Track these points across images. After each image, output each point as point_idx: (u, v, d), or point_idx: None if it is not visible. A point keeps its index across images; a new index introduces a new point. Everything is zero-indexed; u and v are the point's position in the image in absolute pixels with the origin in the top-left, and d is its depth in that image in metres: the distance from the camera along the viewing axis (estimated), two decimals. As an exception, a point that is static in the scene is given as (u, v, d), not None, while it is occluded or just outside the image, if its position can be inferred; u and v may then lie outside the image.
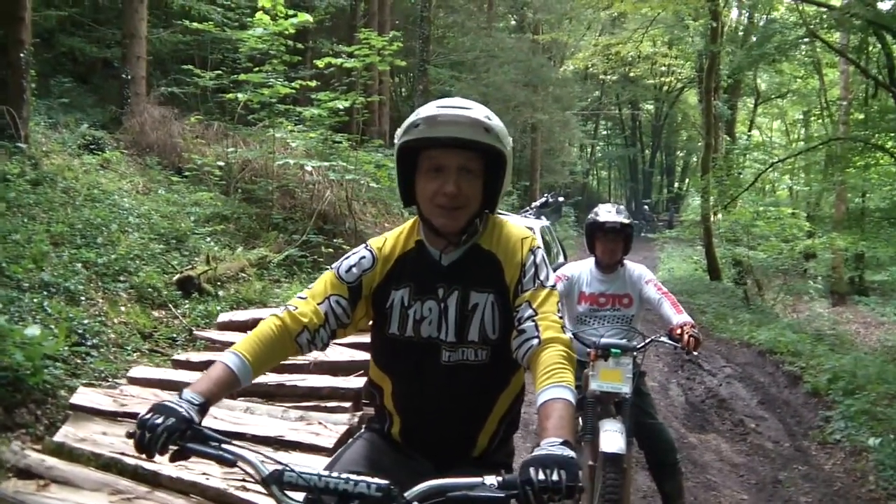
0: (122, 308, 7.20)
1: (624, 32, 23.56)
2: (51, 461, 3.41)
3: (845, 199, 23.66)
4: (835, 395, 8.34)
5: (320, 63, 11.81)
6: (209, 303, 8.01)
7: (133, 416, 3.80)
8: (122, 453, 3.40)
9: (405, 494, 1.76)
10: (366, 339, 4.87)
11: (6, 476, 3.39)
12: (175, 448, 1.87)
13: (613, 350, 4.34)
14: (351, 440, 2.45)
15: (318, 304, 2.28)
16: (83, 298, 6.86)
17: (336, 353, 4.84)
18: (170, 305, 7.67)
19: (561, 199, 15.12)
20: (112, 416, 3.88)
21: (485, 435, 2.37)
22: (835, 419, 7.73)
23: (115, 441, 3.55)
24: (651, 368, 9.71)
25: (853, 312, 22.31)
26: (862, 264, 22.81)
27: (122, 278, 7.59)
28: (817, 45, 19.70)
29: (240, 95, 11.46)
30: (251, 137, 13.31)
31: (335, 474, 1.78)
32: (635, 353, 4.49)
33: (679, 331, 4.31)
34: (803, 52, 22.16)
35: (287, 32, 11.22)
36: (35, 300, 6.26)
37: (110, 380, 5.74)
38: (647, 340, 4.59)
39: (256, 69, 11.44)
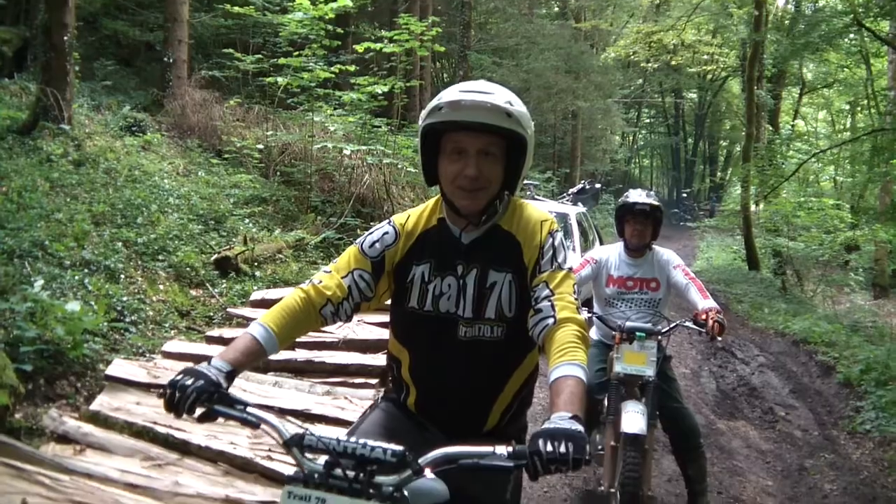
0: (161, 286, 7.36)
1: (667, 20, 23.39)
2: (87, 428, 3.55)
3: (890, 190, 23.30)
4: (867, 386, 8.28)
5: (360, 48, 11.92)
6: (246, 283, 8.16)
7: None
8: (154, 422, 3.53)
9: (419, 460, 1.82)
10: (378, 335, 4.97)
11: (46, 441, 3.53)
12: (203, 409, 1.96)
13: (638, 333, 4.41)
14: (369, 409, 2.52)
15: (342, 278, 2.35)
16: (123, 276, 7.03)
17: (366, 331, 4.97)
18: (207, 285, 7.83)
19: (598, 185, 15.09)
20: (146, 388, 4.01)
21: (497, 410, 2.42)
22: (865, 409, 7.68)
23: (147, 411, 3.68)
24: (684, 356, 9.73)
25: (895, 305, 22.05)
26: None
27: (160, 257, 7.76)
28: (864, 34, 19.41)
29: (280, 79, 11.58)
30: (291, 121, 13.48)
31: (353, 439, 1.84)
32: (660, 337, 4.54)
33: (704, 316, 4.33)
34: (850, 42, 21.76)
35: (327, 17, 11.31)
36: (76, 277, 6.42)
37: (147, 355, 5.90)
38: (672, 325, 4.64)
39: (297, 53, 11.55)
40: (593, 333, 4.93)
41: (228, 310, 6.86)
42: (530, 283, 2.32)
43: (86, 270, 6.69)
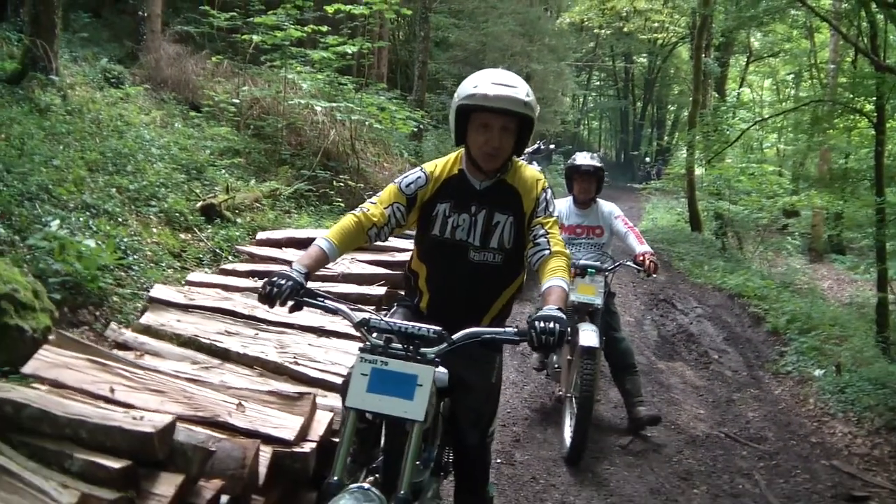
0: (154, 230, 7.94)
1: (619, -13, 24.02)
2: (142, 338, 4.22)
3: (828, 159, 24.31)
4: (791, 334, 9.25)
5: (330, 9, 12.44)
6: (229, 228, 8.78)
7: (200, 308, 4.64)
8: (196, 336, 4.22)
9: (452, 336, 2.61)
10: (384, 257, 5.72)
11: (108, 349, 4.18)
12: (292, 302, 2.71)
13: (589, 269, 5.55)
14: (391, 310, 3.28)
15: (385, 209, 3.15)
16: (120, 220, 7.61)
17: (359, 268, 5.72)
18: (195, 229, 8.42)
19: (552, 146, 15.82)
20: (183, 308, 4.69)
21: (489, 316, 3.27)
22: (789, 354, 8.64)
23: (188, 326, 4.36)
24: (629, 306, 10.60)
25: (828, 269, 23.22)
26: (840, 223, 23.50)
27: (152, 203, 8.30)
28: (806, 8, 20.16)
29: (254, 37, 12.05)
30: (259, 76, 13.93)
31: (404, 322, 2.64)
32: (606, 274, 5.68)
33: (641, 257, 5.48)
34: (794, 16, 22.57)
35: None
36: (81, 219, 6.98)
37: (150, 289, 6.53)
38: (616, 264, 5.77)
39: (270, 12, 12.04)
40: (582, 259, 5.91)
41: (237, 247, 7.58)
42: (529, 224, 3.15)
43: (88, 213, 7.24)
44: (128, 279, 6.67)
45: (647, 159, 39.50)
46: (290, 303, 2.73)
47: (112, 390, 3.20)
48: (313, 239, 6.35)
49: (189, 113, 12.30)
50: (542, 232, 3.10)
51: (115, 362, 3.46)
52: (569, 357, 5.55)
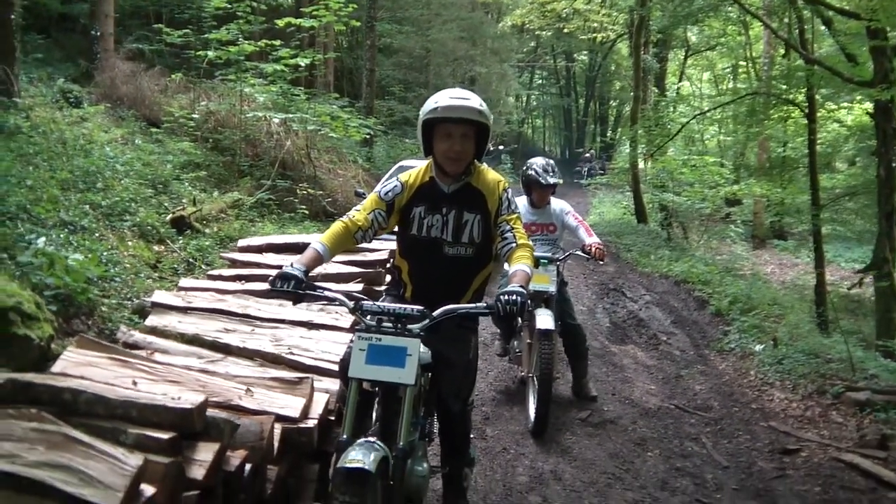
0: (129, 243, 8.31)
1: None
2: (150, 338, 4.64)
3: (767, 148, 25.18)
4: (733, 315, 9.92)
5: (281, 22, 12.87)
6: (200, 239, 9.19)
7: (198, 309, 5.08)
8: (198, 334, 4.66)
9: (433, 313, 3.14)
10: (357, 257, 6.17)
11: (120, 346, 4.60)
12: (295, 294, 3.23)
13: (542, 260, 6.18)
14: (381, 299, 3.78)
15: (368, 215, 3.67)
16: (97, 235, 7.96)
17: (336, 268, 6.19)
18: (167, 241, 8.80)
19: (501, 147, 16.39)
20: (183, 310, 5.10)
21: (463, 301, 3.75)
22: (731, 333, 9.29)
23: (189, 326, 4.78)
24: (581, 296, 11.18)
25: (771, 255, 24.13)
26: (780, 210, 24.33)
27: (125, 218, 8.64)
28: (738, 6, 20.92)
29: (210, 53, 12.41)
30: (213, 90, 14.27)
31: (391, 305, 3.16)
32: (558, 263, 6.38)
33: (589, 247, 6.13)
34: (728, 12, 23.31)
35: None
36: (61, 235, 7.34)
37: (134, 300, 6.93)
38: (566, 254, 6.52)
39: (224, 28, 12.41)
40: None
41: (222, 254, 7.95)
42: (495, 221, 3.70)
43: (66, 230, 7.59)
44: (111, 290, 7.06)
45: (587, 155, 39.83)
46: (293, 294, 3.26)
47: (135, 382, 3.62)
48: (292, 244, 6.87)
49: (149, 129, 12.60)
50: (507, 228, 3.65)
51: (133, 359, 3.90)
52: (528, 341, 6.16)
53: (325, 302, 3.49)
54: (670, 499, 4.97)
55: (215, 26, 12.77)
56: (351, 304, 3.27)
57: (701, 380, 7.72)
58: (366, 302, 3.28)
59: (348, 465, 2.83)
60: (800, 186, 19.11)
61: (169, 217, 9.25)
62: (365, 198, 11.36)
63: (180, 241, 8.97)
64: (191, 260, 8.53)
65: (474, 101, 3.56)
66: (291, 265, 3.34)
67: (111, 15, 14.03)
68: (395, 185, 3.75)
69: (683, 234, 20.38)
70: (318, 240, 3.55)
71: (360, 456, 2.87)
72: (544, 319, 5.84)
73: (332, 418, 4.23)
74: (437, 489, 4.20)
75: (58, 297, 6.08)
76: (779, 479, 5.38)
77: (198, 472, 2.97)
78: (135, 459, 2.68)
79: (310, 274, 3.36)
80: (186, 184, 10.96)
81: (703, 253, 18.33)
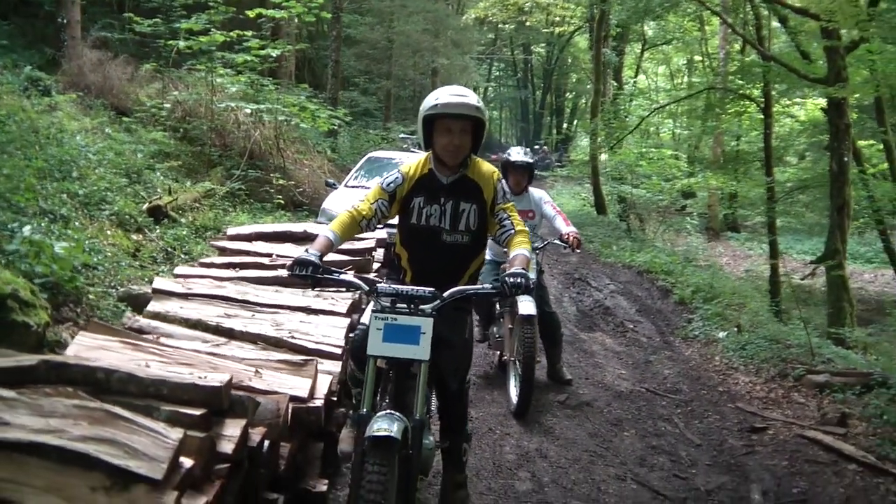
0: (108, 232, 8.38)
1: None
2: (154, 323, 4.78)
3: (721, 142, 25.75)
4: (696, 303, 10.28)
5: (251, 13, 12.94)
6: (176, 228, 9.29)
7: (198, 295, 5.24)
8: (201, 319, 4.82)
9: (444, 294, 3.36)
10: (346, 245, 6.34)
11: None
12: (314, 278, 3.47)
13: None
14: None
15: (372, 204, 3.89)
16: (77, 223, 8.03)
17: (329, 256, 6.35)
18: (145, 230, 8.89)
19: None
20: (183, 297, 5.23)
21: (461, 284, 3.94)
22: (695, 320, 9.63)
23: (191, 312, 4.93)
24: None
25: (725, 246, 24.69)
26: (735, 203, 24.85)
27: (102, 207, 8.70)
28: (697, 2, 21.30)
29: (181, 43, 12.43)
30: (180, 80, 14.28)
31: (405, 287, 3.42)
32: (537, 252, 6.56)
33: (566, 236, 6.35)
34: (685, 8, 23.72)
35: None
36: (43, 224, 7.40)
37: (118, 288, 7.03)
38: (545, 242, 6.80)
39: (193, 18, 12.44)
40: (487, 255, 6.67)
41: (212, 243, 8.08)
42: (492, 211, 3.93)
43: (47, 219, 7.65)
44: (95, 278, 7.15)
45: (536, 147, 39.38)
46: (310, 278, 3.50)
47: (147, 365, 3.77)
48: (280, 232, 7.02)
49: (118, 118, 12.59)
50: (505, 216, 3.90)
51: (143, 342, 4.05)
52: (510, 326, 6.40)
53: (340, 286, 3.68)
54: (650, 474, 5.27)
55: (185, 15, 12.81)
56: (366, 287, 3.49)
57: (669, 365, 8.04)
58: (381, 284, 3.52)
59: (377, 434, 3.08)
60: (754, 180, 19.65)
61: (145, 206, 9.32)
62: (335, 188, 11.69)
63: (157, 231, 9.06)
64: (169, 249, 8.64)
65: (472, 98, 3.78)
66: (307, 251, 3.56)
67: (78, 2, 13.94)
68: (397, 177, 3.96)
69: (641, 226, 20.75)
70: (328, 227, 3.79)
71: (386, 425, 3.12)
72: (526, 305, 6.08)
73: (335, 399, 4.43)
74: (433, 465, 4.44)
75: (46, 286, 6.16)
76: (748, 455, 5.72)
77: (227, 447, 3.14)
78: (175, 433, 2.86)
79: (324, 259, 3.55)
80: (159, 173, 11.01)
81: (661, 244, 18.74)
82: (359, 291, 3.68)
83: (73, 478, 2.73)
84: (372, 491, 2.99)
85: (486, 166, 4.02)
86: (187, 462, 2.87)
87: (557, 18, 25.21)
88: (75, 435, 2.81)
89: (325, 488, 4.05)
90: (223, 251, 6.87)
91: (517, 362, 6.13)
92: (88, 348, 3.91)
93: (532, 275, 6.34)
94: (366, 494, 2.99)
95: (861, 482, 5.20)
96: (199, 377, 3.31)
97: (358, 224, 3.85)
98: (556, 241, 6.57)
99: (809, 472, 5.41)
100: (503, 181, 4.01)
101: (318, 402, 4.00)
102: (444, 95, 3.77)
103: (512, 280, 3.42)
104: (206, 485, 3.01)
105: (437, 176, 3.93)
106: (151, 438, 2.82)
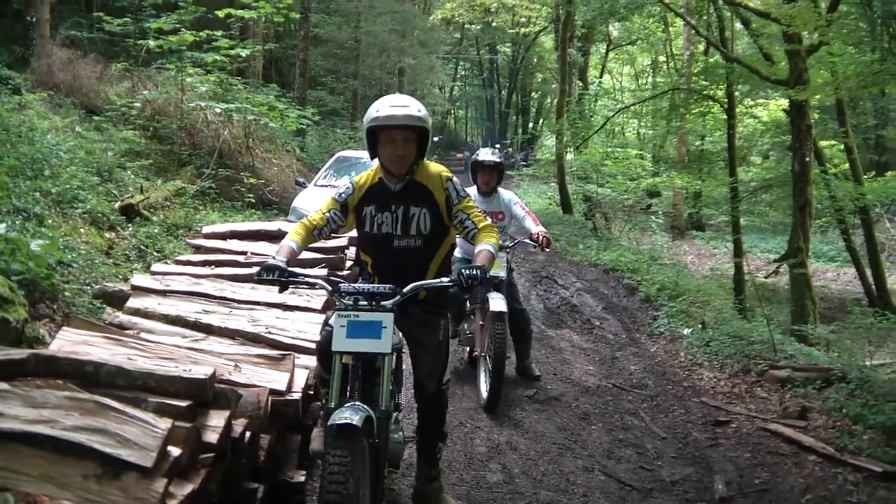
0: (82, 230, 8.44)
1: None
2: (135, 319, 4.87)
3: (686, 142, 26.10)
4: (661, 300, 10.50)
5: (221, 13, 12.99)
6: (149, 226, 9.35)
7: (176, 292, 5.34)
8: (180, 315, 4.93)
9: (403, 290, 3.61)
10: (319, 244, 6.45)
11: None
12: (280, 281, 3.64)
13: None
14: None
15: (324, 214, 4.07)
16: (50, 221, 8.07)
17: (304, 254, 6.50)
18: (118, 228, 8.95)
19: (436, 139, 16.73)
20: (161, 293, 5.34)
21: None
22: (660, 317, 9.84)
23: (169, 308, 5.03)
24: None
25: (690, 245, 25.05)
26: (699, 202, 25.18)
27: (75, 205, 8.75)
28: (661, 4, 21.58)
29: (151, 42, 12.46)
30: (149, 79, 14.31)
31: (365, 285, 3.66)
32: (507, 250, 6.80)
33: (536, 236, 6.56)
34: (650, 9, 24.00)
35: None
36: (17, 222, 7.44)
37: (93, 285, 7.09)
38: (515, 241, 6.99)
39: (162, 17, 12.49)
40: (457, 253, 6.82)
41: (188, 241, 8.21)
42: (450, 213, 4.03)
43: (20, 217, 7.69)
44: (70, 276, 7.21)
45: (499, 146, 39.23)
46: (278, 282, 3.66)
47: (130, 359, 3.89)
48: (254, 231, 7.14)
49: (88, 117, 12.59)
50: (464, 216, 4.01)
51: (125, 337, 4.16)
52: (481, 322, 6.57)
53: (306, 287, 3.94)
54: (617, 465, 5.46)
55: (154, 15, 12.84)
56: (330, 287, 3.67)
57: (635, 361, 8.25)
58: (343, 284, 3.68)
59: (338, 422, 3.19)
60: (718, 179, 19.96)
61: (118, 205, 9.37)
62: (305, 187, 11.83)
63: (130, 229, 9.12)
64: (142, 247, 8.70)
65: (413, 107, 3.85)
66: (273, 258, 3.73)
67: (47, 0, 13.93)
68: (348, 187, 4.12)
69: (606, 225, 20.95)
70: (289, 237, 3.95)
71: (347, 414, 3.25)
72: (497, 302, 6.24)
73: (312, 392, 4.56)
74: (406, 459, 4.60)
75: (22, 283, 6.22)
76: (712, 448, 5.92)
77: (212, 437, 3.27)
78: (164, 423, 2.98)
79: (289, 264, 3.73)
80: (130, 172, 11.05)
81: (626, 243, 18.99)
82: (324, 291, 3.76)
83: (66, 466, 2.86)
84: (334, 476, 3.06)
85: (434, 168, 4.12)
86: (175, 451, 3.00)
87: (523, 19, 25.47)
88: (67, 425, 2.93)
89: (302, 479, 4.16)
90: (199, 249, 6.98)
91: (488, 358, 6.30)
92: (72, 343, 4.01)
93: (502, 273, 6.58)
94: (328, 483, 3.06)
95: (820, 472, 5.40)
96: (185, 370, 3.43)
97: (311, 233, 4.02)
98: (527, 241, 6.77)
99: (771, 464, 5.61)
100: (454, 179, 4.10)
101: (296, 395, 4.12)
102: (384, 107, 3.85)
103: (467, 272, 3.55)
104: (193, 473, 3.14)
105: (386, 184, 4.04)
106: (141, 428, 2.95)
